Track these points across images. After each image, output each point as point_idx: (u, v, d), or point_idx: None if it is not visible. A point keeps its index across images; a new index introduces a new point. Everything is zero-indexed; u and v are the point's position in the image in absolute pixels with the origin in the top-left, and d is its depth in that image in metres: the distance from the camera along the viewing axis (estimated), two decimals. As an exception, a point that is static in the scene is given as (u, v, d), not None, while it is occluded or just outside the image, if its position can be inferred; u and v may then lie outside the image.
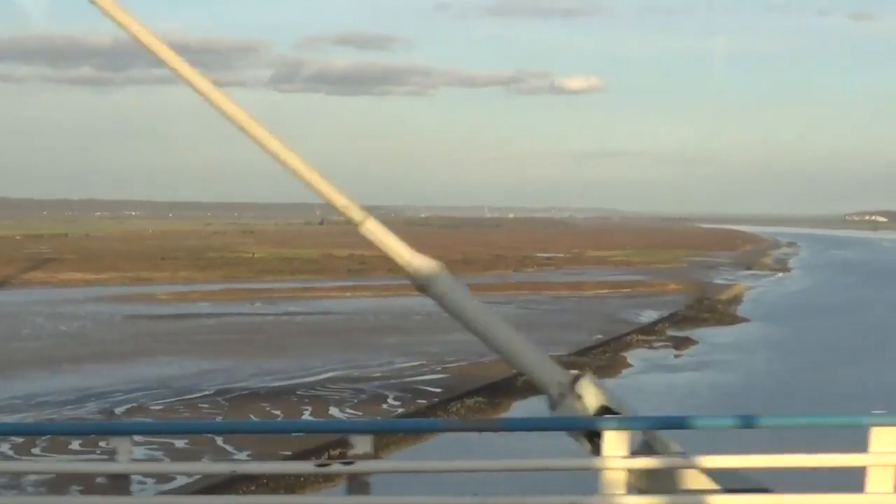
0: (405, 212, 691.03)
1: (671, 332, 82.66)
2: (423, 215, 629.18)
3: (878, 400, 50.79)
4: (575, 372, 14.29)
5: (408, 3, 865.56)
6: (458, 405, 52.25)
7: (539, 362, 14.13)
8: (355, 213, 16.04)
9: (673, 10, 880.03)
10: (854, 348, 75.30)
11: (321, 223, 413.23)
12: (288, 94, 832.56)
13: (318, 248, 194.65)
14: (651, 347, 75.44)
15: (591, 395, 14.13)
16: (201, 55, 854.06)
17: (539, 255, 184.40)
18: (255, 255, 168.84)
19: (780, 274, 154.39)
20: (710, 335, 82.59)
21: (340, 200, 15.98)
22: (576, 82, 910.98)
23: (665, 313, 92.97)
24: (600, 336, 77.03)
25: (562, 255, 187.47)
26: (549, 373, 13.72)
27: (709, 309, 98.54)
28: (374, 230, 16.12)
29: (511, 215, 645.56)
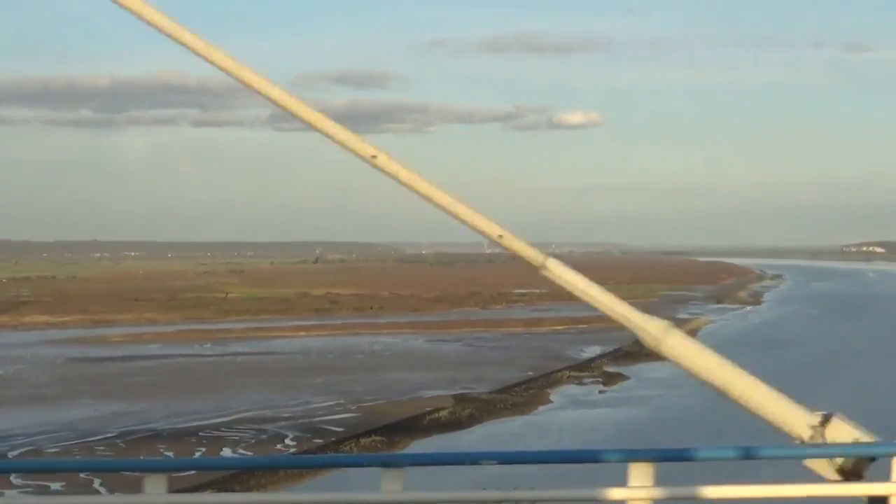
0: (406, 248, 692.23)
1: (607, 368, 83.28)
2: (423, 252, 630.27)
3: (772, 435, 51.27)
4: (824, 413, 13.52)
5: (403, 40, 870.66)
6: (353, 444, 52.85)
7: (784, 408, 13.32)
8: (533, 256, 14.13)
9: (669, 44, 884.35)
10: (784, 383, 75.49)
11: (316, 262, 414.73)
12: (287, 132, 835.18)
13: (300, 288, 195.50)
14: (580, 383, 76.07)
15: (844, 434, 13.45)
16: (200, 95, 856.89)
17: (516, 291, 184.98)
18: (228, 296, 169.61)
19: (749, 307, 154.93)
20: (645, 371, 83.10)
21: (518, 245, 14.23)
22: (575, 117, 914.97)
23: (609, 349, 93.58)
24: (531, 373, 77.73)
25: (539, 291, 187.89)
26: (797, 416, 12.95)
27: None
28: (558, 272, 14.16)
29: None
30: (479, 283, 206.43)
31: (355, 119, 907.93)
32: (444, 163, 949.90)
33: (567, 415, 63.62)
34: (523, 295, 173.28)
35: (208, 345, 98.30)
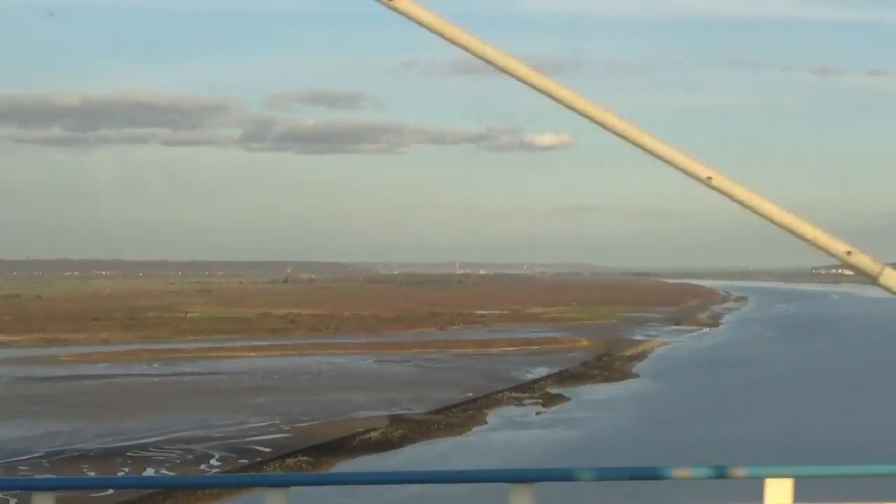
0: (378, 269, 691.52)
1: (550, 390, 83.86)
2: (396, 272, 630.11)
3: (694, 455, 52.36)
4: None
5: (375, 61, 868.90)
6: (279, 464, 53.26)
7: None
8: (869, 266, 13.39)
9: (638, 66, 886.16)
10: (717, 404, 76.62)
11: (285, 281, 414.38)
12: (259, 152, 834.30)
13: (262, 308, 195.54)
14: (520, 405, 76.64)
15: None
16: (171, 114, 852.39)
17: (477, 312, 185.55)
18: (188, 316, 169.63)
19: (707, 329, 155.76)
20: (587, 392, 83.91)
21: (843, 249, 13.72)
22: (546, 138, 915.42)
23: (555, 370, 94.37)
24: (472, 394, 78.29)
25: (500, 311, 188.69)
26: None
27: (604, 366, 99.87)
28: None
29: (482, 271, 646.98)
30: (441, 304, 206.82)
31: (328, 139, 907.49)
32: (418, 183, 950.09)
33: (498, 436, 64.19)
34: (482, 316, 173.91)
35: (157, 364, 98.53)
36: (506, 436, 64.14)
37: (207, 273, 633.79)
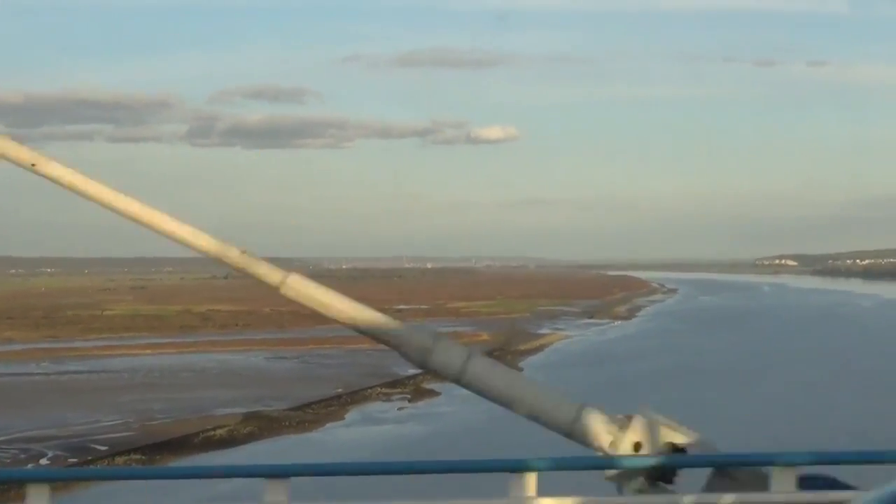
0: (326, 263, 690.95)
1: (425, 385, 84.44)
2: (344, 266, 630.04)
3: (524, 449, 53.00)
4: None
5: (317, 56, 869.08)
6: (108, 462, 53.78)
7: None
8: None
9: (579, 59, 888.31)
10: (583, 399, 77.44)
11: (226, 277, 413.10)
12: (204, 148, 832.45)
13: (187, 304, 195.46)
14: (387, 400, 77.42)
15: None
16: (115, 111, 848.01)
17: (398, 307, 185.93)
18: (104, 313, 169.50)
19: (618, 322, 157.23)
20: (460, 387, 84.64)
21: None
22: (492, 132, 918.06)
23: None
24: (341, 389, 79.00)
25: (422, 306, 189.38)
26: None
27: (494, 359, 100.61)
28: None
29: (429, 265, 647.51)
30: (368, 299, 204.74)
31: (274, 134, 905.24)
32: (364, 178, 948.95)
33: (348, 432, 64.98)
34: (401, 311, 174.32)
35: (46, 363, 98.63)
36: (354, 431, 64.96)
37: (154, 270, 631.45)
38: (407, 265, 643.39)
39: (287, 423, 66.15)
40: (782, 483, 12.29)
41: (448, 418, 69.01)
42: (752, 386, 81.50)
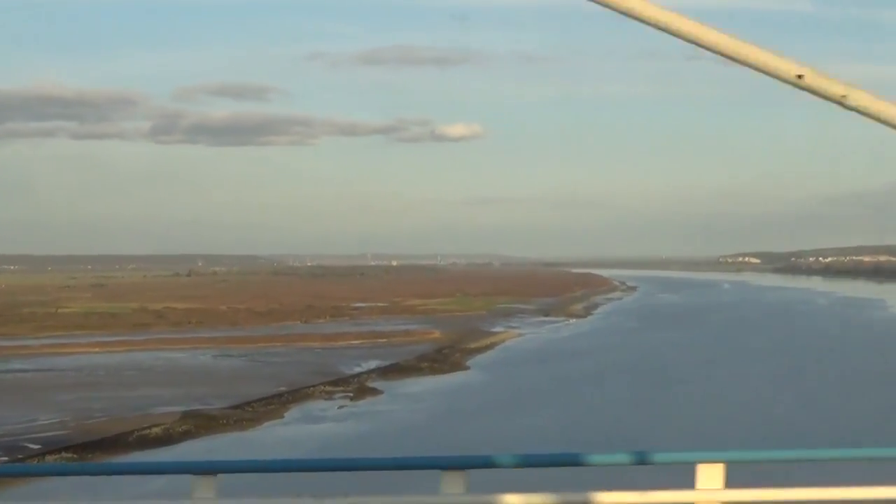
0: (290, 261, 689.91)
1: (370, 383, 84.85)
2: (309, 264, 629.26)
3: (457, 447, 53.59)
4: None
5: (280, 53, 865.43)
6: (39, 460, 53.79)
7: None
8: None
9: (544, 57, 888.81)
10: (525, 396, 78.07)
11: (188, 275, 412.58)
12: (168, 145, 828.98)
13: (145, 302, 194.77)
14: (329, 398, 77.56)
15: None
16: (77, 108, 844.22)
17: (355, 304, 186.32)
18: (59, 311, 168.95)
19: (573, 320, 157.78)
20: (406, 385, 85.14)
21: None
22: (457, 130, 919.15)
23: (387, 363, 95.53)
24: (284, 388, 79.14)
25: (378, 304, 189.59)
26: None
27: (439, 359, 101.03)
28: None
29: (394, 263, 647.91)
30: (326, 297, 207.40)
31: (238, 131, 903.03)
32: (329, 175, 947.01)
33: (285, 430, 65.17)
34: (356, 309, 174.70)
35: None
36: (291, 430, 65.14)
37: (118, 267, 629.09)
38: (372, 263, 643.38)
39: (224, 422, 66.25)
40: None
41: (387, 417, 69.31)
42: (688, 383, 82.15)
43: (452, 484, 12.20)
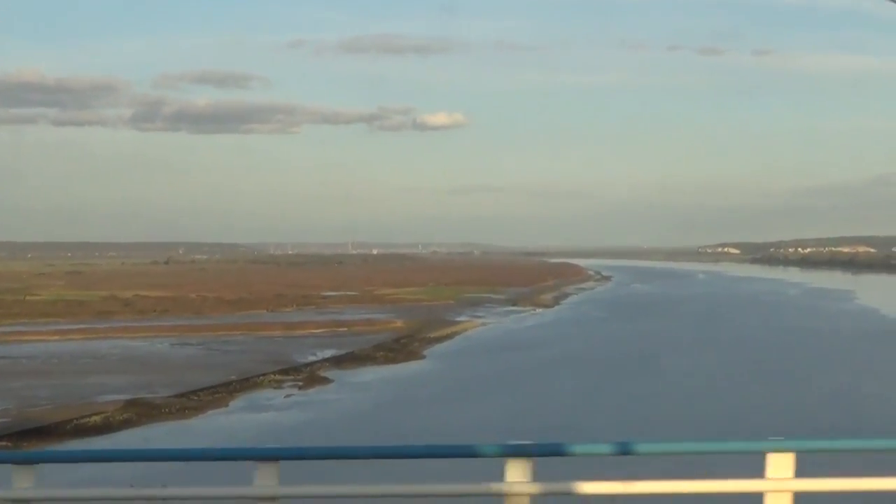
0: (271, 249, 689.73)
1: (321, 372, 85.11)
2: (290, 252, 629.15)
3: (396, 437, 54.07)
4: None
5: (261, 41, 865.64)
6: (-33, 448, 53.99)
7: None
8: None
9: (525, 45, 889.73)
10: (475, 386, 78.56)
11: (166, 263, 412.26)
12: (150, 132, 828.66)
13: (117, 290, 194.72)
14: (277, 387, 77.80)
15: None
16: (58, 94, 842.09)
17: (326, 293, 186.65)
18: (27, 298, 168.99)
19: (539, 310, 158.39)
20: (358, 374, 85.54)
21: None
22: (439, 118, 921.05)
23: (342, 352, 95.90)
24: (234, 376, 79.42)
25: (349, 293, 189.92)
26: None
27: (397, 348, 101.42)
28: None
29: (375, 251, 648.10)
30: (297, 286, 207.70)
31: (220, 119, 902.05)
32: (312, 163, 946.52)
33: (226, 419, 65.45)
34: (325, 298, 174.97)
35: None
36: (232, 419, 65.41)
37: (98, 254, 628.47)
38: (353, 251, 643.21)
39: (167, 410, 66.49)
40: None
41: (331, 406, 69.66)
42: (636, 375, 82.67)
43: (516, 472, 12.09)
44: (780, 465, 11.99)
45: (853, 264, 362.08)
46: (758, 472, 12.56)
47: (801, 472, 12.25)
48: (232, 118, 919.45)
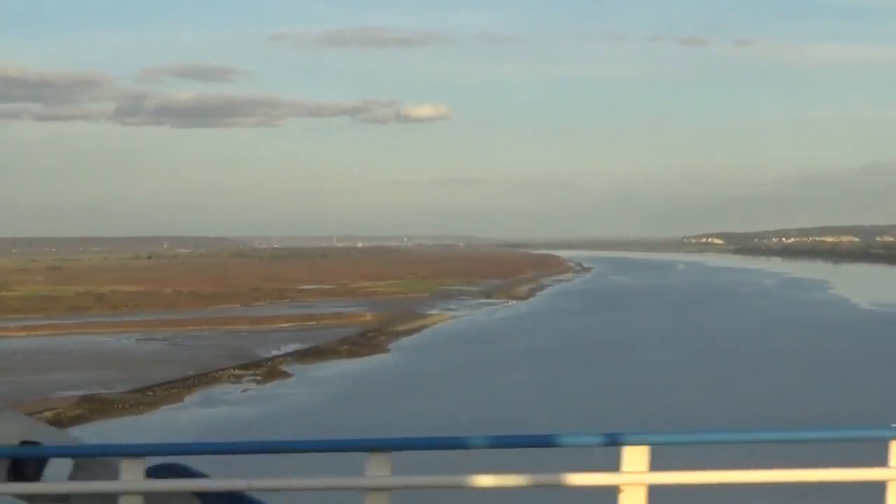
0: (256, 243, 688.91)
1: (282, 367, 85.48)
2: (275, 246, 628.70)
3: (337, 432, 54.39)
4: None
5: (243, 34, 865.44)
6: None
7: None
8: None
9: (509, 37, 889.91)
10: (431, 381, 78.88)
11: (149, 257, 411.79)
12: (133, 127, 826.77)
13: (95, 285, 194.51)
14: (236, 382, 78.19)
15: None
16: (41, 89, 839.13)
17: (302, 287, 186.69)
18: (3, 294, 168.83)
19: (513, 302, 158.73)
20: (319, 369, 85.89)
21: None
22: (423, 110, 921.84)
23: (306, 346, 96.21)
24: (192, 371, 79.73)
25: (325, 286, 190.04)
26: None
27: (362, 342, 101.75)
28: None
29: (360, 244, 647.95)
30: (275, 279, 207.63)
31: (204, 113, 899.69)
32: (296, 156, 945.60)
33: (178, 414, 65.83)
34: (300, 291, 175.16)
35: None
36: (186, 414, 65.80)
37: (82, 249, 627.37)
38: (338, 244, 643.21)
39: (120, 406, 66.84)
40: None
41: (286, 400, 70.05)
42: (593, 367, 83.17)
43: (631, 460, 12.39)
44: (635, 459, 11.78)
45: (834, 254, 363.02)
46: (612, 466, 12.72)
47: (656, 465, 12.50)
48: (215, 112, 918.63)
